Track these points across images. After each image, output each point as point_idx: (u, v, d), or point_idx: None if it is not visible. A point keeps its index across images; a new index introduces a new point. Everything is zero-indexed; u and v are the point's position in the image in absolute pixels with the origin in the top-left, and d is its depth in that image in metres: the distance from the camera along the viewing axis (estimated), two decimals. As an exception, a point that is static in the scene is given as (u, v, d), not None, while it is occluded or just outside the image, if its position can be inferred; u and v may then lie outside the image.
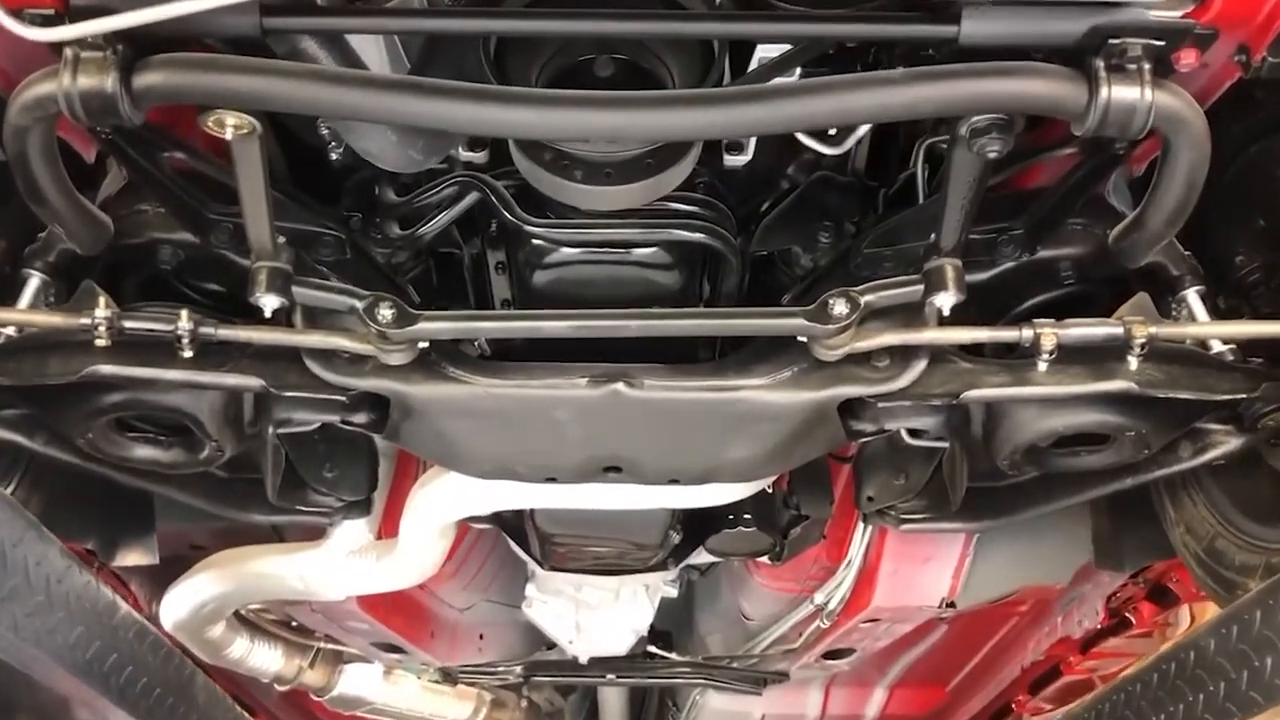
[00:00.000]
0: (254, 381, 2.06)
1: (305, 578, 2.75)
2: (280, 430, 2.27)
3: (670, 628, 4.21)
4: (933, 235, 1.96)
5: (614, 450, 2.15)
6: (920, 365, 2.07)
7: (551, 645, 4.19)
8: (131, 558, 3.00)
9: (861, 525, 3.02)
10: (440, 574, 3.43)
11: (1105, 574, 3.17)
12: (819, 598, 3.30)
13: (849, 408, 2.17)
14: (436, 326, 1.95)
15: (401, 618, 3.29)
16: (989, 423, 2.20)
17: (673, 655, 4.03)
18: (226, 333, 1.98)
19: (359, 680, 3.76)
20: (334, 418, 2.19)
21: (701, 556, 2.98)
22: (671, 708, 5.09)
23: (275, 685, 3.64)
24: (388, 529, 2.73)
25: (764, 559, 2.98)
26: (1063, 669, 3.79)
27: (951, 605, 3.04)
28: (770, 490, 2.75)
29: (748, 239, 2.24)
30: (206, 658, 3.35)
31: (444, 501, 2.41)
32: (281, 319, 2.05)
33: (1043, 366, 2.00)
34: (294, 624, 3.58)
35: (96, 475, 2.38)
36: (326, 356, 2.07)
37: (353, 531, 2.76)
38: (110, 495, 2.95)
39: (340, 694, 3.76)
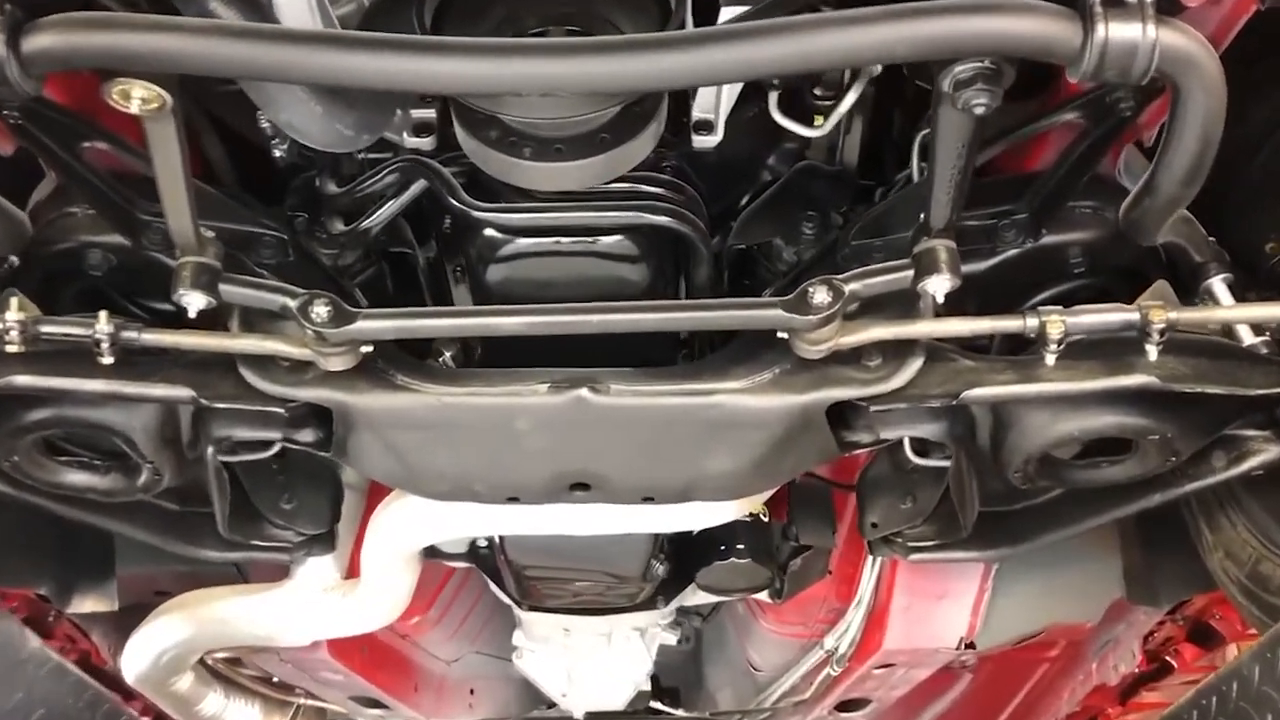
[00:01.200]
0: (183, 392, 1.90)
1: (267, 620, 2.55)
2: (223, 453, 2.11)
3: (679, 684, 3.97)
4: (921, 215, 1.77)
5: (581, 464, 1.96)
6: (915, 363, 1.88)
7: (552, 704, 3.96)
8: (89, 604, 2.83)
9: (870, 560, 2.79)
10: (422, 622, 3.24)
11: (1140, 611, 2.92)
12: (829, 642, 3.06)
13: (840, 415, 1.98)
14: (377, 325, 1.78)
15: (379, 669, 3.07)
16: (997, 430, 1.99)
17: (678, 712, 3.78)
18: (151, 337, 1.83)
19: (343, 740, 3.53)
20: (275, 435, 2.02)
21: (697, 597, 2.76)
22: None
23: (254, 746, 3.42)
24: (357, 568, 2.54)
25: (767, 598, 2.75)
26: (1101, 722, 3.50)
27: (971, 646, 2.79)
28: (766, 520, 2.53)
29: (725, 236, 2.06)
30: (179, 716, 3.15)
31: (403, 526, 2.21)
32: (218, 326, 1.90)
33: (1051, 360, 1.79)
34: (275, 680, 3.37)
35: (44, 513, 2.22)
36: (263, 364, 1.91)
37: (317, 570, 2.57)
38: (66, 537, 2.80)
39: (323, 754, 3.53)
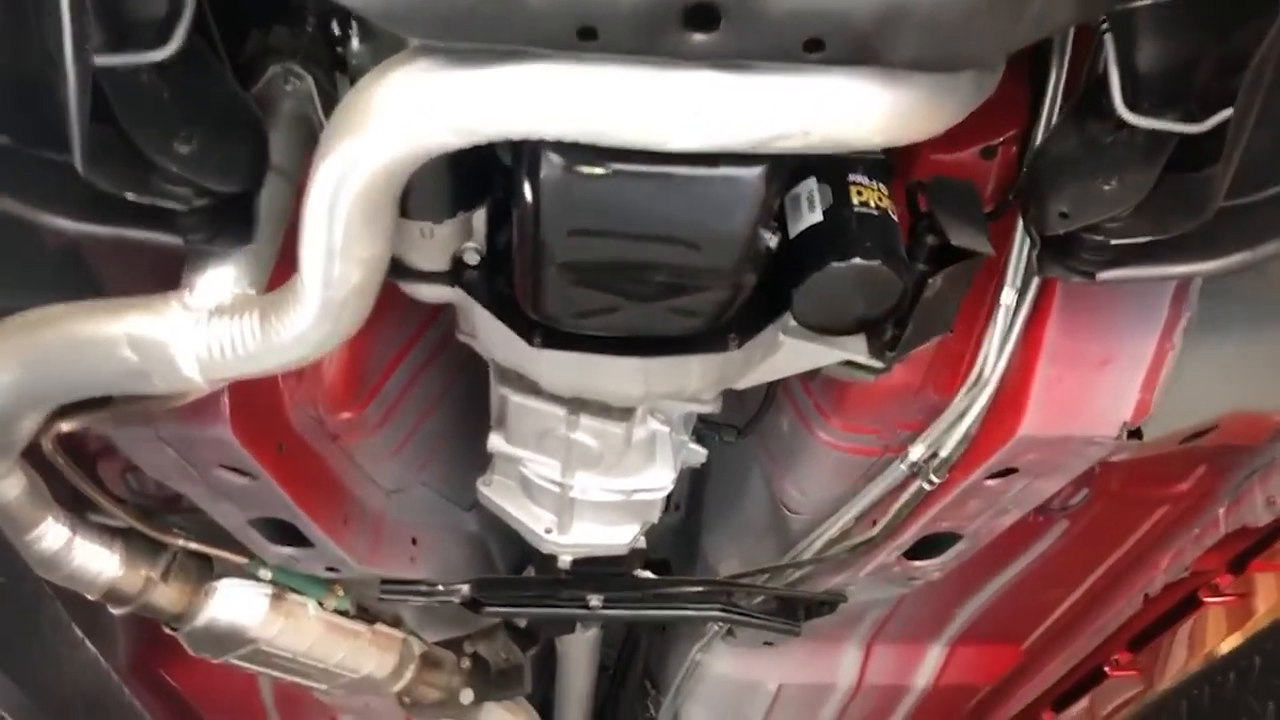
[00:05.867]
0: None
1: (140, 345, 1.67)
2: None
3: (669, 557, 3.17)
4: None
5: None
6: None
7: (513, 572, 3.15)
8: None
9: (998, 315, 2.02)
10: (358, 423, 2.40)
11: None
12: (916, 452, 2.29)
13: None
14: None
15: (298, 476, 2.19)
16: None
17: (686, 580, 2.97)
18: None
19: (234, 603, 2.60)
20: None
21: (769, 362, 1.95)
22: (651, 692, 3.98)
23: (109, 605, 2.49)
24: (282, 277, 1.68)
25: (865, 365, 1.96)
26: (1202, 597, 2.79)
27: (1135, 435, 2.06)
28: (896, 220, 1.75)
29: None
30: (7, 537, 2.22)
31: (398, 112, 1.34)
32: None
33: None
34: (147, 513, 2.45)
35: None
36: None
37: (221, 279, 1.70)
38: None
39: (209, 620, 2.59)
